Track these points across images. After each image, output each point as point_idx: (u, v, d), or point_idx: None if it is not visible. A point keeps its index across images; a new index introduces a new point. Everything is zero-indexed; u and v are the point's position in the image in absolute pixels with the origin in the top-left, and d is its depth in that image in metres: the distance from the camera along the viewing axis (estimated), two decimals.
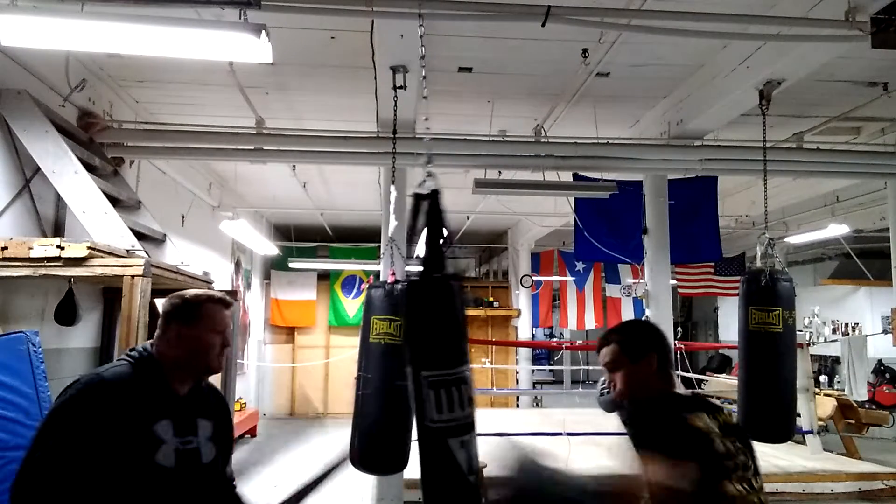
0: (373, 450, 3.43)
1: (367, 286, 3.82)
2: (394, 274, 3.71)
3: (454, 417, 1.97)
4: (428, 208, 2.18)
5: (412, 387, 1.99)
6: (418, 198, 2.19)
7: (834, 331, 10.68)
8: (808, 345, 8.05)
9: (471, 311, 11.56)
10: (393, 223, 4.25)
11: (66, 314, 3.65)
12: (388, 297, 3.51)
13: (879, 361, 9.81)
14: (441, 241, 2.14)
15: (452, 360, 1.99)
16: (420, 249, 2.12)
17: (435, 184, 2.25)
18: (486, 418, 9.01)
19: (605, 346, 1.91)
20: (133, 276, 3.17)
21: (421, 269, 2.09)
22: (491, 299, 12.00)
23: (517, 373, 11.62)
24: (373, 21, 3.57)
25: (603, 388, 3.47)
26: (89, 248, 3.08)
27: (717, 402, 1.99)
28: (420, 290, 2.07)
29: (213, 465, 1.84)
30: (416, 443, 2.02)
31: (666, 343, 1.89)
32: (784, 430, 3.97)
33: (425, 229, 2.16)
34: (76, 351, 4.43)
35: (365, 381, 3.47)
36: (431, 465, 2.01)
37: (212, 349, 1.83)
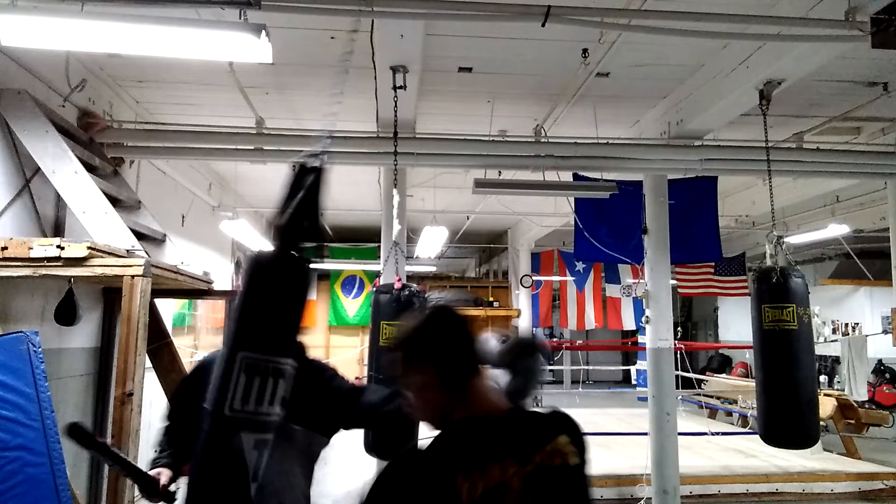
0: (385, 440, 3.53)
1: (373, 289, 3.86)
2: (400, 280, 3.76)
3: (257, 411, 1.69)
4: (309, 183, 1.95)
5: (220, 368, 1.69)
6: (304, 170, 1.96)
7: (834, 331, 10.68)
8: None
9: (471, 311, 11.57)
10: (396, 227, 4.26)
11: (66, 314, 3.65)
12: (397, 302, 3.59)
13: (879, 361, 9.83)
14: (308, 220, 1.91)
15: (279, 348, 1.73)
16: (283, 221, 1.89)
17: (321, 161, 1.96)
18: None
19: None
20: (133, 276, 3.17)
21: (277, 241, 1.86)
22: (491, 299, 12.00)
23: None
24: (373, 21, 3.57)
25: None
26: (89, 248, 3.08)
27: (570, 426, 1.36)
28: (270, 263, 1.82)
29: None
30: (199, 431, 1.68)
31: (453, 347, 1.40)
32: (808, 433, 3.81)
33: (298, 204, 1.92)
34: (76, 351, 4.43)
35: (376, 382, 3.60)
36: (213, 458, 1.68)
37: None
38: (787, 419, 3.79)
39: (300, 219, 1.87)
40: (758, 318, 3.84)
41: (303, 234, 1.86)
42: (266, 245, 1.87)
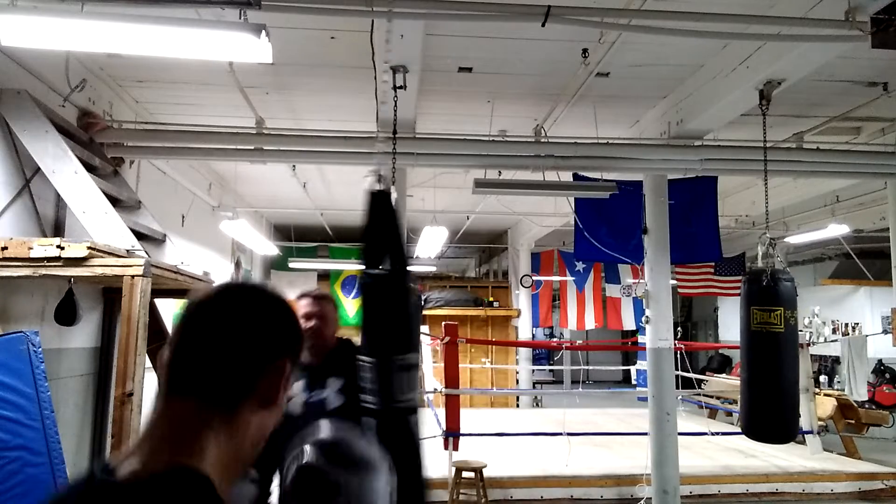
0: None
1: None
2: None
3: (411, 398, 2.41)
4: (380, 207, 2.65)
5: (375, 371, 2.36)
6: (374, 196, 2.71)
7: (834, 331, 10.68)
8: (808, 345, 8.06)
9: (471, 311, 11.58)
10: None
11: (66, 314, 3.65)
12: None
13: (879, 361, 9.82)
14: (397, 237, 2.61)
15: (414, 347, 2.43)
16: (378, 247, 2.58)
17: (385, 185, 2.72)
18: (486, 418, 9.02)
19: None
20: (133, 276, 3.17)
21: (380, 265, 2.50)
22: (491, 299, 12.00)
23: (517, 373, 11.62)
24: (373, 21, 3.57)
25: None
26: (89, 248, 3.08)
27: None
28: (387, 283, 2.48)
29: (339, 409, 2.33)
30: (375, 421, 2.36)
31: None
32: (787, 430, 3.96)
33: (385, 228, 2.61)
34: (76, 351, 4.43)
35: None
36: (397, 437, 2.36)
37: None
38: (768, 416, 3.92)
39: (390, 242, 2.60)
40: (746, 318, 3.94)
41: (395, 255, 2.56)
42: (382, 268, 2.52)
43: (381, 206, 2.66)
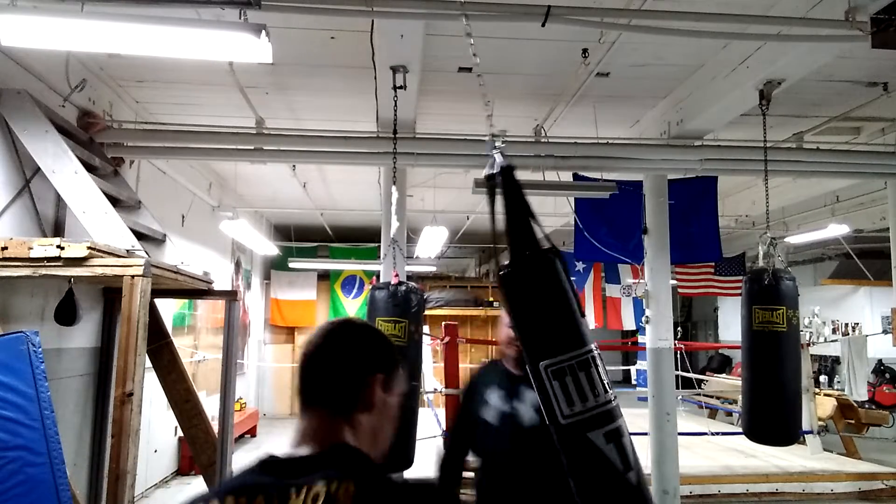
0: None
1: (370, 287, 3.82)
2: (397, 276, 3.71)
3: (588, 407, 1.68)
4: (504, 187, 1.95)
5: (535, 384, 1.75)
6: (489, 179, 1.98)
7: (834, 331, 10.68)
8: (808, 345, 8.06)
9: (471, 312, 11.58)
10: (395, 224, 4.25)
11: (66, 314, 3.65)
12: (392, 298, 3.53)
13: (879, 361, 9.82)
14: (527, 217, 1.91)
15: (571, 342, 1.71)
16: (506, 233, 1.93)
17: (504, 161, 1.99)
18: None
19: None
20: (133, 276, 3.17)
21: (513, 251, 1.88)
22: (491, 299, 12.00)
23: None
24: (373, 21, 3.57)
25: None
26: (89, 248, 3.08)
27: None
28: (518, 273, 1.82)
29: (536, 428, 2.16)
30: (560, 448, 1.74)
31: None
32: (789, 431, 3.91)
33: (507, 209, 1.94)
34: (76, 351, 4.43)
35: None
36: (579, 469, 1.68)
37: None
38: (770, 418, 3.87)
39: (522, 221, 1.91)
40: (748, 318, 3.90)
41: (532, 234, 1.89)
42: (503, 258, 1.93)
43: (510, 182, 1.95)
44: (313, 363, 1.12)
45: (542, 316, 1.76)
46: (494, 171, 1.99)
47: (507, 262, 1.88)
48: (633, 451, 1.69)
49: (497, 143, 2.06)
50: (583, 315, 1.82)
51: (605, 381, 1.75)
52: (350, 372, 1.10)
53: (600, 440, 1.65)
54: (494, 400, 2.35)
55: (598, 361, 1.75)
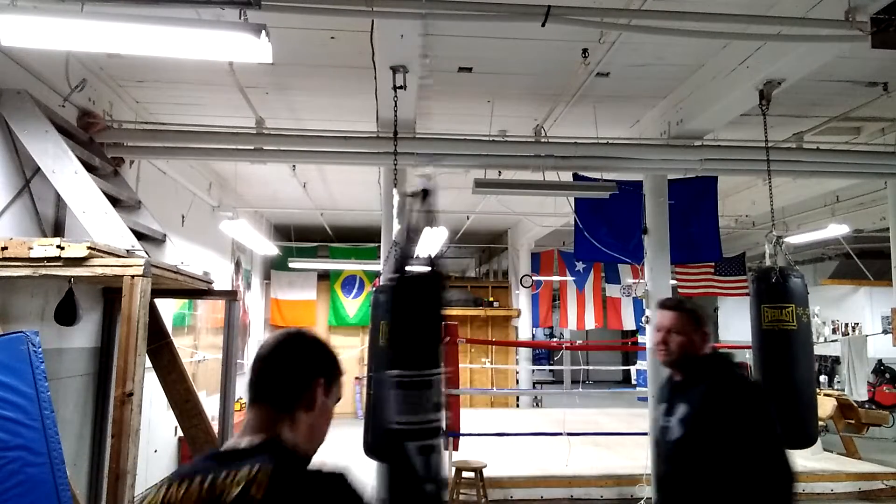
0: (384, 441, 3.56)
1: (372, 289, 3.85)
2: None
3: (416, 421, 1.94)
4: (418, 207, 2.24)
5: (375, 384, 2.08)
6: (408, 196, 2.28)
7: (834, 331, 10.67)
8: None
9: (471, 312, 11.58)
10: (395, 226, 4.25)
11: (66, 314, 3.65)
12: None
13: (879, 361, 9.82)
14: (423, 239, 2.17)
15: (426, 362, 1.98)
16: (412, 248, 2.17)
17: (429, 184, 2.26)
18: (486, 418, 9.02)
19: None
20: (133, 276, 3.17)
21: (403, 267, 2.11)
22: (491, 299, 12.00)
23: (517, 373, 11.62)
24: (373, 21, 3.57)
25: None
26: (89, 248, 3.08)
27: None
28: (408, 288, 2.06)
29: (679, 442, 2.13)
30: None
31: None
32: (807, 434, 3.73)
33: (416, 228, 2.21)
34: (76, 351, 4.43)
35: (376, 381, 3.57)
36: (390, 469, 1.99)
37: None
38: (786, 420, 3.75)
39: (417, 242, 2.17)
40: (757, 317, 3.80)
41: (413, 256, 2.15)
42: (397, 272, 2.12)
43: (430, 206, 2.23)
44: (264, 365, 1.28)
45: (412, 332, 2.01)
46: (419, 191, 2.23)
47: (400, 274, 2.10)
48: (439, 469, 2.00)
49: (427, 171, 2.37)
50: (443, 339, 2.09)
51: (439, 402, 1.99)
52: (295, 375, 1.27)
53: (413, 451, 1.93)
54: (659, 415, 2.31)
55: (441, 384, 1.99)
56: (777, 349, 3.75)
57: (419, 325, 2.02)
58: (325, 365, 1.31)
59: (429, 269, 2.10)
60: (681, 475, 2.14)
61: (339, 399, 1.34)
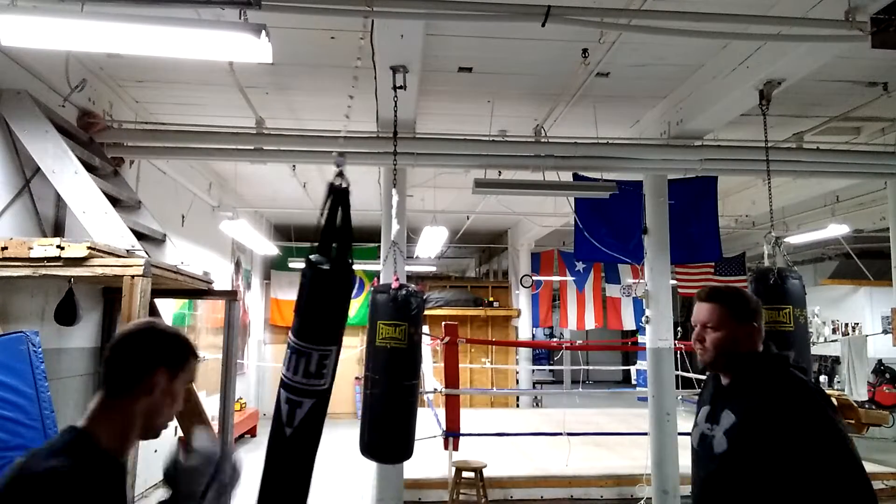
0: (381, 441, 3.61)
1: (371, 289, 3.87)
2: (397, 279, 3.74)
3: (299, 381, 2.63)
4: (335, 203, 2.67)
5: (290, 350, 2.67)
6: (332, 191, 2.69)
7: (834, 331, 10.68)
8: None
9: (471, 311, 11.57)
10: (395, 227, 4.25)
11: (66, 314, 3.65)
12: (393, 302, 3.59)
13: (879, 361, 9.82)
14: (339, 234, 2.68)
15: (326, 338, 2.66)
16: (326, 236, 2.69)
17: (344, 181, 2.72)
18: (486, 418, 9.01)
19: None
20: (133, 276, 3.17)
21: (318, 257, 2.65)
22: (491, 299, 12.00)
23: (517, 373, 11.62)
24: (373, 21, 3.57)
25: None
26: (89, 248, 3.08)
27: None
28: (323, 273, 2.65)
29: (724, 457, 1.86)
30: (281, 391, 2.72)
31: None
32: None
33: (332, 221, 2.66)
34: (76, 351, 4.43)
35: (373, 382, 3.59)
36: (274, 412, 2.72)
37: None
38: None
39: (335, 232, 2.67)
40: None
41: (339, 246, 2.68)
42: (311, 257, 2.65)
43: (340, 202, 2.75)
44: (108, 354, 1.42)
45: (320, 310, 2.67)
46: (335, 185, 2.73)
47: (318, 259, 2.65)
48: (303, 420, 2.65)
49: (338, 160, 2.81)
50: (345, 320, 2.82)
51: (326, 373, 2.68)
52: (132, 363, 1.40)
53: (284, 399, 2.66)
54: (700, 418, 2.03)
55: (333, 359, 2.69)
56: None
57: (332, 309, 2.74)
58: (167, 354, 1.45)
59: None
60: (725, 493, 1.88)
61: (189, 381, 1.53)
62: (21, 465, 1.25)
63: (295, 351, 2.65)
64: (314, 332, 2.66)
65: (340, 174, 2.73)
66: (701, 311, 2.02)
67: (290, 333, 2.71)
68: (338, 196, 2.68)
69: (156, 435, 1.49)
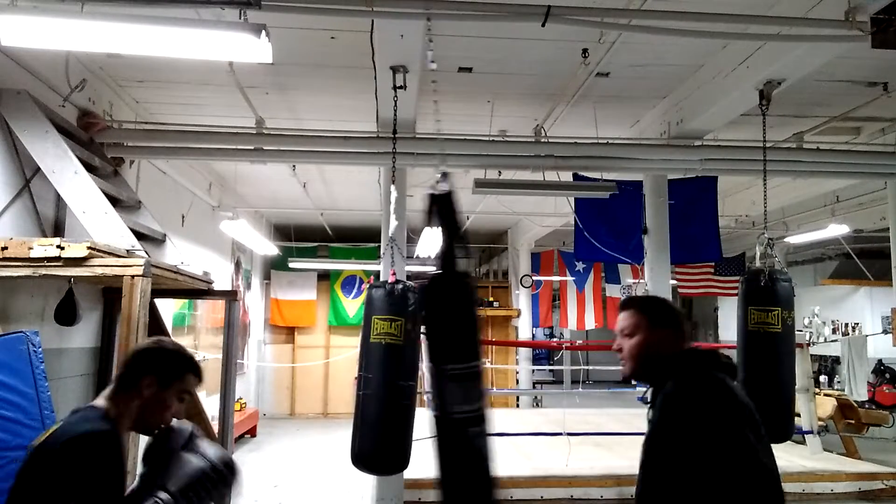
0: (374, 450, 3.44)
1: (367, 286, 3.82)
2: (394, 274, 3.70)
3: (471, 409, 2.18)
4: (442, 209, 2.34)
5: (431, 380, 2.19)
6: (433, 199, 2.36)
7: (834, 331, 10.67)
8: (808, 345, 8.05)
9: None
10: (393, 223, 4.24)
11: (66, 314, 3.65)
12: (389, 296, 3.51)
13: (879, 361, 9.81)
14: (455, 240, 2.31)
15: (472, 354, 2.20)
16: (433, 249, 2.43)
17: (449, 184, 2.37)
18: None
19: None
20: (133, 276, 3.17)
21: (438, 268, 2.28)
22: (491, 299, 12.00)
23: (517, 373, 11.62)
24: (373, 21, 3.57)
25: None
26: (89, 248, 3.08)
27: None
28: (440, 287, 2.25)
29: (641, 466, 1.78)
30: (434, 436, 2.19)
31: None
32: (782, 429, 3.96)
33: (440, 229, 2.31)
34: (76, 351, 4.43)
35: (366, 382, 3.47)
36: (451, 455, 2.19)
37: None
38: (764, 417, 3.87)
39: (450, 243, 2.31)
40: (743, 318, 3.92)
41: (455, 256, 2.31)
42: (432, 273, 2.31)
43: (446, 208, 2.38)
44: (122, 360, 1.93)
45: (455, 328, 2.22)
46: (437, 193, 2.38)
47: (435, 275, 2.28)
48: (491, 451, 2.23)
49: (444, 169, 2.50)
50: (479, 334, 2.33)
51: (484, 391, 2.27)
52: (129, 370, 1.82)
53: (475, 435, 2.20)
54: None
55: (482, 376, 2.26)
56: (760, 351, 3.85)
57: (463, 320, 2.27)
58: (159, 366, 1.81)
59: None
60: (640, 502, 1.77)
61: (186, 395, 1.85)
62: (62, 429, 1.66)
63: (456, 378, 2.23)
64: (469, 346, 2.29)
65: (444, 176, 2.42)
66: (619, 319, 1.93)
67: (432, 364, 2.27)
68: (443, 204, 2.35)
69: (148, 431, 1.83)
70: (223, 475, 1.79)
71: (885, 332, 9.48)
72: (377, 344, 3.44)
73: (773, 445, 1.86)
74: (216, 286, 4.76)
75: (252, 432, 9.25)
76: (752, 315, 3.84)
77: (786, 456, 6.97)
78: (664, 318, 1.88)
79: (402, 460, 3.48)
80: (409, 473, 5.39)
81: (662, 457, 1.67)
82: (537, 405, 11.68)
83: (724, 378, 1.74)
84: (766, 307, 3.79)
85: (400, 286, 3.52)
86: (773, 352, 3.82)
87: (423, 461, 5.82)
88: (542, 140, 5.22)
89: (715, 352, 1.87)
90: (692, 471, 1.59)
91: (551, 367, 14.66)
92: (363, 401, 3.45)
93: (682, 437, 1.63)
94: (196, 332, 7.65)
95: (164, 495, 1.66)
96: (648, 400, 1.83)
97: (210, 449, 1.82)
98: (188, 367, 1.85)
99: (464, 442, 2.16)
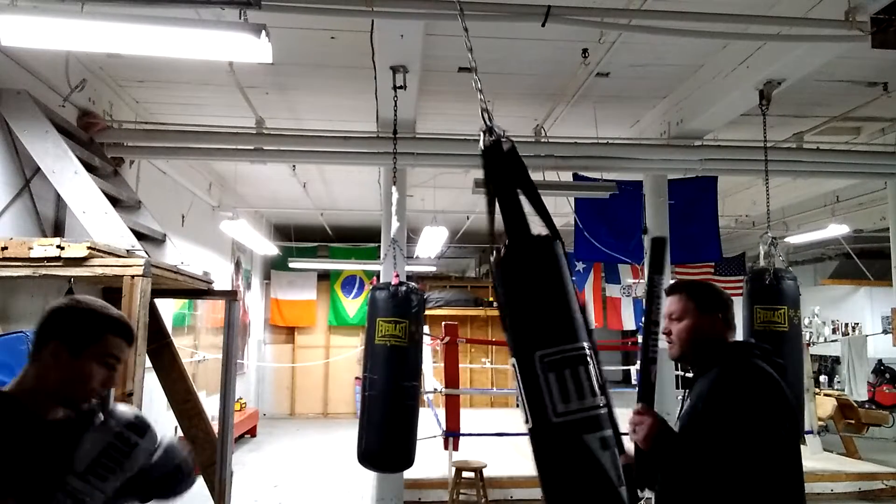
0: (380, 449, 3.49)
1: (371, 287, 3.82)
2: (397, 276, 3.71)
3: (586, 406, 1.44)
4: (497, 163, 1.68)
5: (521, 377, 1.51)
6: (487, 153, 1.70)
7: (834, 331, 10.68)
8: (808, 345, 8.06)
9: (471, 311, 11.58)
10: (395, 224, 4.24)
11: None
12: (393, 298, 3.53)
13: (879, 361, 9.81)
14: (522, 198, 1.69)
15: (570, 333, 1.49)
16: (498, 212, 1.69)
17: (500, 133, 1.72)
18: (486, 418, 9.02)
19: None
20: (133, 276, 3.17)
21: (508, 235, 1.67)
22: (491, 299, 11.99)
23: None
24: (373, 21, 3.57)
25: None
26: (89, 248, 3.08)
27: None
28: (515, 256, 1.63)
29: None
30: (534, 450, 1.50)
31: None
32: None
33: (502, 188, 1.67)
34: None
35: (371, 383, 3.50)
36: (564, 473, 1.43)
37: None
38: None
39: (517, 202, 1.69)
40: (749, 318, 3.87)
41: (525, 217, 1.70)
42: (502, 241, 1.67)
43: (507, 160, 1.68)
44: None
45: (540, 303, 1.54)
46: (491, 145, 1.69)
47: (505, 245, 1.67)
48: (620, 464, 1.47)
49: (490, 122, 1.76)
50: (583, 309, 1.58)
51: (600, 383, 1.53)
52: (36, 336, 1.52)
53: (596, 445, 1.41)
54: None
55: (594, 360, 1.53)
56: None
57: (553, 292, 1.56)
58: (65, 330, 1.49)
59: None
60: (677, 475, 1.78)
61: (104, 362, 1.50)
62: None
63: (555, 365, 1.44)
64: (567, 323, 1.52)
65: (490, 131, 1.70)
66: (667, 303, 2.08)
67: (517, 357, 1.52)
68: (503, 157, 1.67)
69: (72, 405, 1.51)
70: (129, 440, 1.52)
71: (885, 332, 9.48)
72: (382, 346, 3.47)
73: None
74: (216, 286, 4.75)
75: (252, 432, 9.25)
76: (758, 314, 3.79)
77: None
78: (712, 303, 2.00)
79: (407, 459, 3.55)
80: (409, 473, 5.39)
81: (701, 439, 1.73)
82: None
83: (771, 372, 1.83)
84: (772, 306, 3.74)
85: (403, 288, 3.54)
86: (781, 351, 3.78)
87: (424, 462, 5.82)
88: (542, 140, 5.22)
89: (765, 346, 1.95)
90: (725, 456, 1.65)
91: None
92: (369, 401, 3.49)
93: (723, 424, 1.69)
94: (196, 332, 7.65)
95: (77, 483, 1.43)
96: (685, 384, 1.91)
97: (117, 414, 1.55)
98: (107, 327, 1.51)
99: (580, 456, 1.40)
